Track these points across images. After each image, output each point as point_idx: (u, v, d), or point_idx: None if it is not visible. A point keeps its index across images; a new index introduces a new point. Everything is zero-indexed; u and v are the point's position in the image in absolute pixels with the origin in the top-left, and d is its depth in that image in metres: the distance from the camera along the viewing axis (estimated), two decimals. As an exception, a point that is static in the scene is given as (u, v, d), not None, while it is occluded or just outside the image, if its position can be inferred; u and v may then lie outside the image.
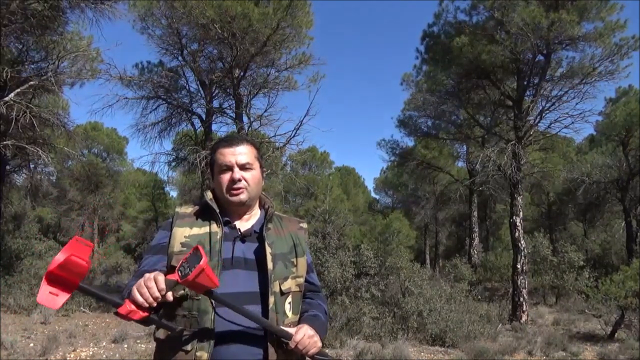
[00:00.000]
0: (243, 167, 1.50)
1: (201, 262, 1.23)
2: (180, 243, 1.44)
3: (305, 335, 1.40)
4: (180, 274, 1.26)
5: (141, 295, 1.22)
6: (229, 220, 1.51)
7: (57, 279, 1.16)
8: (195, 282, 1.23)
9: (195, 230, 1.46)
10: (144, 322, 1.26)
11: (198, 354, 1.35)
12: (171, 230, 1.48)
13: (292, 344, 1.39)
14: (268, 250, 1.46)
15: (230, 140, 1.52)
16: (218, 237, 1.45)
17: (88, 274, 1.19)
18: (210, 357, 1.35)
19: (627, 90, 18.55)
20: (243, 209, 1.53)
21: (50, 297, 1.15)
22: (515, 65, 11.77)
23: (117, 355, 6.60)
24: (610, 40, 10.98)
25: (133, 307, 1.23)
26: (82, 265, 1.16)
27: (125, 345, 7.25)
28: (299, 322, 1.53)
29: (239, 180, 1.48)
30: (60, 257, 1.16)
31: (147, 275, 1.26)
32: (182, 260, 1.29)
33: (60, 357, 6.41)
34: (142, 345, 7.15)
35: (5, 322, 8.44)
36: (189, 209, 1.53)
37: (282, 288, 1.46)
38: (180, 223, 1.48)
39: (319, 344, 1.44)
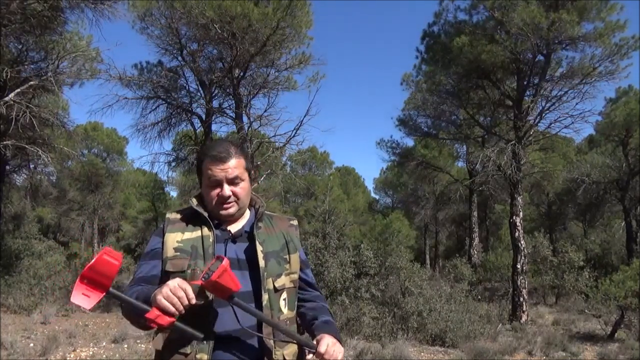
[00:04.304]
0: (232, 182, 1.50)
1: (223, 262, 1.26)
2: (174, 248, 1.45)
3: (329, 345, 1.42)
4: (203, 279, 1.28)
5: (173, 305, 1.24)
6: (219, 223, 1.53)
7: (89, 280, 1.22)
8: (217, 282, 1.25)
9: (187, 235, 1.47)
10: (169, 326, 1.28)
11: (198, 356, 1.36)
12: (163, 236, 1.49)
13: (318, 356, 1.41)
14: (259, 248, 1.48)
15: (219, 155, 1.49)
16: (210, 240, 1.46)
17: (117, 275, 1.24)
18: (209, 358, 1.36)
19: (627, 90, 18.53)
20: (234, 217, 1.55)
21: (83, 297, 1.21)
22: (515, 65, 11.76)
23: (117, 355, 6.60)
24: (610, 41, 10.97)
25: (160, 312, 1.25)
26: (113, 264, 1.22)
27: (125, 345, 7.25)
28: (307, 326, 1.56)
29: (229, 197, 1.49)
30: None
31: (172, 284, 1.27)
32: (205, 269, 1.31)
33: (60, 357, 6.41)
34: (142, 345, 7.15)
35: (5, 322, 8.44)
36: (178, 215, 1.55)
37: (276, 285, 1.48)
38: (172, 229, 1.50)
39: (342, 348, 1.46)
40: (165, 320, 1.24)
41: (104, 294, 1.23)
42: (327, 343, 1.42)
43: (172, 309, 1.23)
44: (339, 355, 1.43)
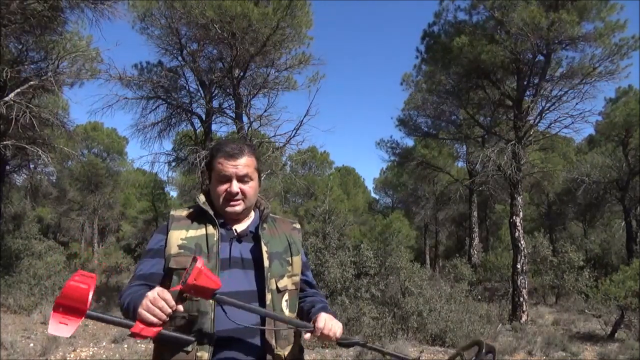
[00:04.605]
0: (241, 179, 1.51)
1: (197, 264, 1.25)
2: (178, 245, 1.45)
3: (326, 320, 1.43)
4: (182, 284, 1.28)
5: (155, 316, 1.24)
6: (225, 222, 1.53)
7: (64, 308, 1.20)
8: (196, 285, 1.25)
9: (192, 233, 1.48)
10: (156, 337, 1.28)
11: (199, 354, 1.36)
12: (167, 233, 1.49)
13: (317, 332, 1.41)
14: (264, 248, 1.49)
15: (232, 152, 1.51)
16: (215, 238, 1.47)
17: (93, 299, 1.22)
18: (210, 357, 1.36)
19: (627, 90, 18.53)
20: (239, 215, 1.56)
21: (60, 326, 1.19)
22: (515, 65, 11.76)
23: (117, 355, 6.60)
24: (610, 41, 10.98)
25: (144, 325, 1.25)
26: (82, 288, 1.19)
27: (125, 345, 7.25)
28: (305, 315, 1.57)
29: (237, 193, 1.50)
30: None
31: (151, 295, 1.26)
32: (184, 273, 1.31)
33: (60, 357, 6.41)
34: (142, 346, 7.15)
35: (5, 322, 8.44)
36: (184, 212, 1.55)
37: (279, 286, 1.49)
38: (176, 226, 1.50)
39: (340, 324, 1.47)
40: (151, 331, 1.24)
41: (82, 318, 1.22)
42: (325, 319, 1.43)
43: (155, 320, 1.24)
44: (338, 329, 1.44)
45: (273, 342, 1.43)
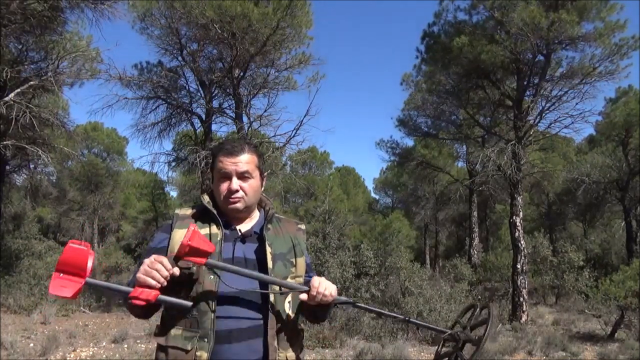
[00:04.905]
0: (242, 176, 1.51)
1: (190, 227, 1.31)
2: None
3: (321, 281, 1.47)
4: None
5: (153, 278, 1.28)
6: (229, 222, 1.53)
7: (65, 272, 1.24)
8: (191, 245, 1.29)
9: None
10: (155, 302, 1.31)
11: (198, 353, 1.36)
12: (171, 232, 1.50)
13: (313, 291, 1.44)
14: (268, 249, 1.49)
15: (232, 149, 1.52)
16: (218, 238, 1.47)
17: (93, 263, 1.26)
18: (209, 356, 1.36)
19: (627, 90, 18.53)
20: (241, 213, 1.55)
21: (60, 288, 1.23)
22: (515, 65, 11.76)
23: (117, 355, 6.60)
24: (610, 40, 10.98)
25: (143, 289, 1.29)
26: (81, 250, 1.24)
27: (125, 345, 7.25)
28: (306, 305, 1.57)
29: (237, 190, 1.50)
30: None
31: (148, 260, 1.31)
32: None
33: (60, 357, 6.42)
34: (142, 345, 7.15)
35: (5, 322, 8.45)
36: (188, 211, 1.55)
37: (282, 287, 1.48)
38: (180, 225, 1.50)
39: (334, 286, 1.50)
40: (149, 294, 1.28)
41: (83, 281, 1.26)
42: (319, 279, 1.47)
43: (153, 282, 1.28)
44: (333, 289, 1.48)
45: (275, 343, 1.43)
